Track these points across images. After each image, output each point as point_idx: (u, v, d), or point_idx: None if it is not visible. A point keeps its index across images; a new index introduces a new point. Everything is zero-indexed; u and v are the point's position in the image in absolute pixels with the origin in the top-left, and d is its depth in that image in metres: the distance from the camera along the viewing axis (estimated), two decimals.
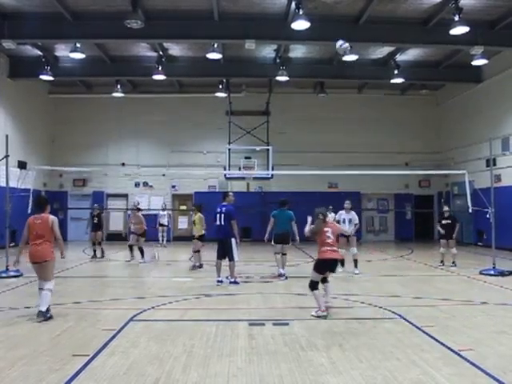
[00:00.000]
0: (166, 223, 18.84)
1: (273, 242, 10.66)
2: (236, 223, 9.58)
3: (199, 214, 12.00)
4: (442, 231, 12.74)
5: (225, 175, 20.45)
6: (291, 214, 10.60)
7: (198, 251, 11.95)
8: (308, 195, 20.76)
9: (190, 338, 5.62)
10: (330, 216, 15.97)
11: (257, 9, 13.56)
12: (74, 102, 21.82)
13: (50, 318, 6.44)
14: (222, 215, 9.45)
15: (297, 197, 20.56)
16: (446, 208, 13.40)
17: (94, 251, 14.40)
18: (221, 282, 9.52)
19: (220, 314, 6.98)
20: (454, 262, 12.40)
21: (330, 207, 16.45)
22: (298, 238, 10.45)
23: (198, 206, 12.51)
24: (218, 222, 9.48)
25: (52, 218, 6.74)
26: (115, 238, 21.36)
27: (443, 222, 12.88)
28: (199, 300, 8.08)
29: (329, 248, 6.81)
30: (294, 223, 10.53)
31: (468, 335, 5.75)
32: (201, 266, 11.98)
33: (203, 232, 11.96)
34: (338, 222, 11.41)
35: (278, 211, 10.67)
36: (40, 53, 16.51)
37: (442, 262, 12.64)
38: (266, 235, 10.78)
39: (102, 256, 14.42)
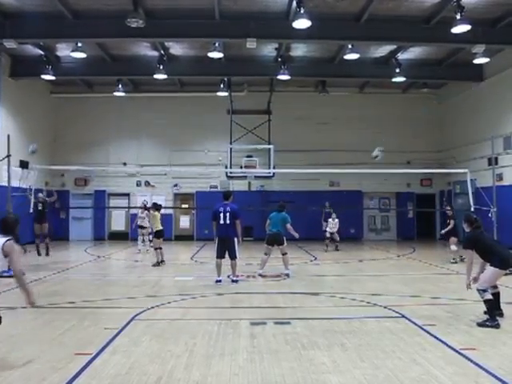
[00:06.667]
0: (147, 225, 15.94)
1: (265, 243, 10.89)
2: (240, 223, 9.64)
3: (153, 213, 12.82)
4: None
5: (226, 174, 20.45)
6: (285, 216, 10.81)
7: (160, 248, 12.54)
8: (309, 194, 20.81)
9: (192, 337, 5.62)
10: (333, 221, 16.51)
11: (258, 7, 13.54)
12: (76, 102, 21.82)
13: None
14: (228, 214, 9.46)
15: (298, 196, 20.68)
16: (447, 208, 13.96)
17: (37, 246, 12.30)
18: (220, 281, 9.51)
19: (222, 313, 6.98)
20: (453, 259, 12.89)
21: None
22: (296, 234, 10.77)
23: (158, 205, 13.32)
24: (222, 221, 9.46)
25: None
26: (117, 237, 21.42)
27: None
28: (201, 299, 8.08)
29: None
30: (289, 225, 10.78)
31: (470, 334, 5.74)
32: (163, 262, 12.57)
33: (161, 228, 12.64)
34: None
35: (274, 213, 10.94)
36: (41, 52, 16.50)
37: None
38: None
39: (47, 253, 12.40)
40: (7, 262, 4.94)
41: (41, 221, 12.75)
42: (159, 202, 14.65)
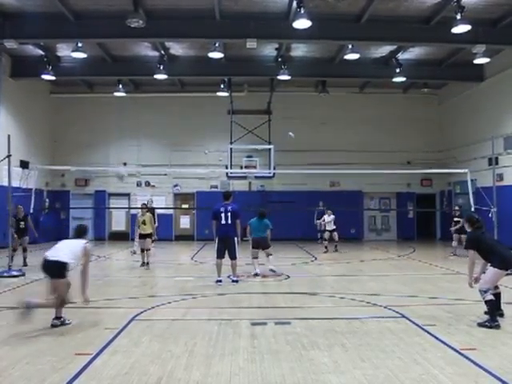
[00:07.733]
0: None
1: (251, 247, 11.11)
2: (240, 223, 9.67)
3: (148, 214, 12.69)
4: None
5: (227, 174, 20.45)
6: (268, 223, 11.15)
7: (149, 249, 12.44)
8: (309, 194, 20.80)
9: (192, 338, 5.62)
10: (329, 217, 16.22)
11: (258, 8, 13.55)
12: (76, 102, 21.84)
13: None
14: (229, 214, 9.49)
15: (298, 196, 20.67)
16: (456, 207, 15.72)
17: (12, 257, 11.22)
18: (220, 281, 9.50)
19: (222, 314, 6.98)
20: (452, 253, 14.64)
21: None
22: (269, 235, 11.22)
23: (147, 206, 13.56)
24: (223, 221, 9.48)
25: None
26: (118, 237, 21.43)
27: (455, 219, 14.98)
28: (201, 299, 8.08)
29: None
30: (269, 231, 11.16)
31: (471, 335, 5.73)
32: (147, 264, 12.31)
33: (151, 231, 12.56)
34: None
35: (256, 221, 11.12)
36: (42, 52, 16.52)
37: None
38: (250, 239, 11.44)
39: (25, 264, 12.09)
40: (80, 260, 6.37)
41: (23, 235, 12.55)
42: (156, 203, 14.61)
